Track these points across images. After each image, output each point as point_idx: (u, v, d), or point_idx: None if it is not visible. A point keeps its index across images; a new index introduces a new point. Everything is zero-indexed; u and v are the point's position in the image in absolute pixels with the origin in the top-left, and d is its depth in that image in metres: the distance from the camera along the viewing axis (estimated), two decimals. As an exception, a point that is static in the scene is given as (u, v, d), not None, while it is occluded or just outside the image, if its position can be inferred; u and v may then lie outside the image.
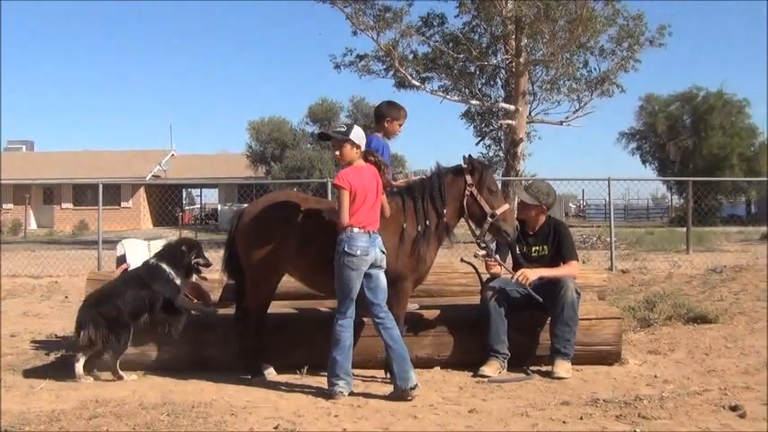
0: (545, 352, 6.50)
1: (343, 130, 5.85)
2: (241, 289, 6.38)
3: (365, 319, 6.07)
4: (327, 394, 5.63)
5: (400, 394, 5.56)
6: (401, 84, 26.66)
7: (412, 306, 6.67)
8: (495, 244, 6.70)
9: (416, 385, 5.58)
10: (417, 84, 26.10)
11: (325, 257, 5.74)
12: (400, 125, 7.06)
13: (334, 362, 5.62)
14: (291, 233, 6.00)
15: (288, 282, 6.52)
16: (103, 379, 6.28)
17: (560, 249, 6.66)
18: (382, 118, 7.04)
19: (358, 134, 5.77)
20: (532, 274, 6.39)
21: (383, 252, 5.68)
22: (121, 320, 6.23)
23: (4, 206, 42.77)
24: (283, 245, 6.01)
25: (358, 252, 5.55)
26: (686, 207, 21.14)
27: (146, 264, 6.69)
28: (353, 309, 5.68)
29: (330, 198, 12.72)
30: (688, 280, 12.81)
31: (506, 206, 6.21)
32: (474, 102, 27.54)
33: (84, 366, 6.27)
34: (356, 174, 5.70)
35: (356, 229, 5.58)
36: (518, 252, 6.77)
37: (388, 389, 5.70)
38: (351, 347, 5.69)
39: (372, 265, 5.63)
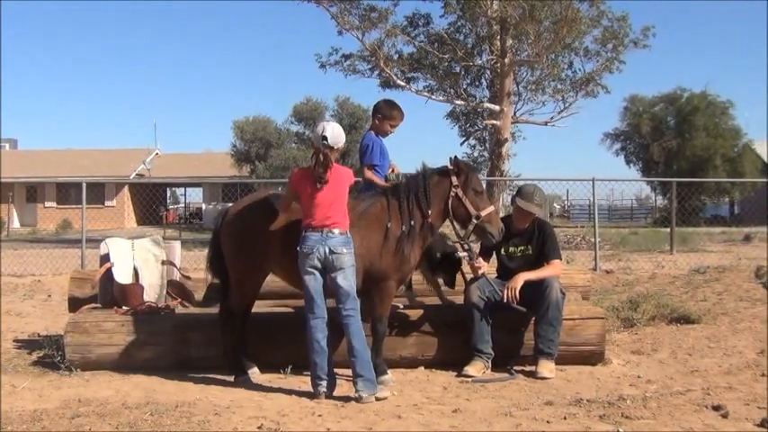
0: (529, 352, 6.51)
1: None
2: (225, 288, 6.36)
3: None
4: (311, 394, 5.62)
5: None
6: (386, 83, 26.67)
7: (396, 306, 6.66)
8: (479, 245, 6.71)
9: (362, 396, 5.50)
10: (402, 84, 26.11)
11: None
12: (392, 125, 6.97)
13: (314, 363, 5.62)
14: (275, 233, 5.96)
15: (272, 281, 6.48)
16: (86, 378, 6.25)
17: (544, 249, 6.67)
18: (374, 115, 7.03)
19: (314, 133, 5.81)
20: (519, 284, 6.41)
21: (334, 252, 5.58)
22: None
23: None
24: (267, 244, 5.98)
25: (305, 250, 5.60)
26: (670, 208, 21.20)
27: None
28: (321, 308, 5.68)
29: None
30: (671, 280, 12.88)
31: (491, 208, 6.22)
32: (459, 102, 27.65)
33: None
34: (304, 173, 5.79)
35: (308, 230, 5.63)
36: (503, 252, 6.77)
37: (373, 388, 5.69)
38: (328, 347, 5.67)
39: (327, 267, 5.61)
